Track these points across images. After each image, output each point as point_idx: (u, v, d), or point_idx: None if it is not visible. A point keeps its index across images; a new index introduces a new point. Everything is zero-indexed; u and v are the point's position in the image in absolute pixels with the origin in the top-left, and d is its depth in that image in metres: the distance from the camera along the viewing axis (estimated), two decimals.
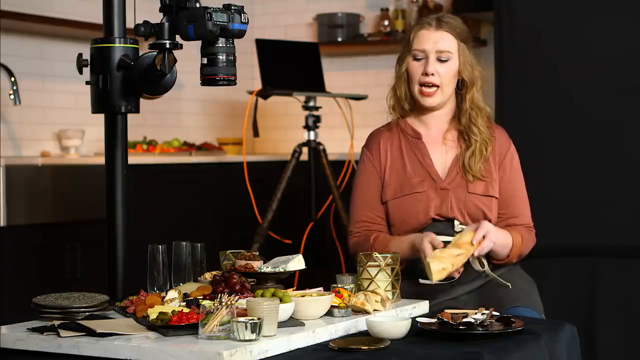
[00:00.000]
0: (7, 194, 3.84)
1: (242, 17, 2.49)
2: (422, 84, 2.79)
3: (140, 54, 2.63)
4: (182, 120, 5.68)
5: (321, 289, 2.49)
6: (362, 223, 2.86)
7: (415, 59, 2.80)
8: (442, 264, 2.51)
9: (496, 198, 2.81)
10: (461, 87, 2.84)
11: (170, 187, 4.64)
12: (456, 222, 2.77)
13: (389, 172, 2.84)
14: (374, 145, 2.89)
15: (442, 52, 2.78)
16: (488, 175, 2.80)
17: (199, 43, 2.50)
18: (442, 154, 2.84)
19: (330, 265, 4.92)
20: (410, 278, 2.70)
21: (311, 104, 5.00)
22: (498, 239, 2.67)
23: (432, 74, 2.77)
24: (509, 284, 2.70)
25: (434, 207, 2.76)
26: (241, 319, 2.04)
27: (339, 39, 5.71)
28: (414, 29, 2.85)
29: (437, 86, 2.78)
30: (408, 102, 2.85)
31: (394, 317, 2.34)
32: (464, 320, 2.22)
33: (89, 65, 2.64)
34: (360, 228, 2.86)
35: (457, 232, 2.71)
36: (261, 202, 4.76)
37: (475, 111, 2.82)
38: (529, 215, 2.88)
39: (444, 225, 2.77)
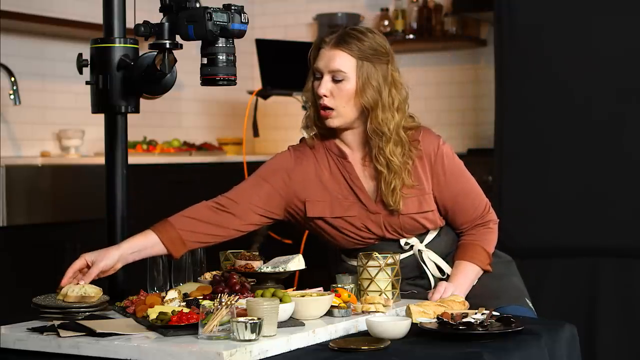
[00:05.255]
0: (7, 194, 3.84)
1: (242, 17, 2.49)
2: (320, 106, 2.63)
3: (140, 54, 2.63)
4: (182, 120, 5.68)
5: (321, 289, 2.49)
6: (225, 198, 2.73)
7: (315, 78, 2.66)
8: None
9: (432, 211, 2.63)
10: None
11: (170, 187, 4.63)
12: (402, 241, 2.66)
13: (314, 188, 2.64)
14: (298, 157, 2.69)
15: (334, 72, 2.58)
16: (419, 192, 2.61)
17: (199, 43, 2.50)
18: (368, 176, 2.64)
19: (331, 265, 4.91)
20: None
21: None
22: (468, 281, 2.61)
23: (325, 96, 2.58)
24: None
25: (370, 230, 2.63)
26: (241, 319, 2.04)
27: None
28: (313, 47, 2.68)
29: (332, 109, 2.58)
30: (317, 122, 2.67)
31: (394, 317, 2.33)
32: (464, 320, 2.22)
33: (89, 65, 2.64)
34: (222, 199, 2.73)
35: (405, 250, 2.65)
36: None
37: (379, 138, 2.56)
38: (483, 210, 2.69)
39: (388, 244, 2.66)
